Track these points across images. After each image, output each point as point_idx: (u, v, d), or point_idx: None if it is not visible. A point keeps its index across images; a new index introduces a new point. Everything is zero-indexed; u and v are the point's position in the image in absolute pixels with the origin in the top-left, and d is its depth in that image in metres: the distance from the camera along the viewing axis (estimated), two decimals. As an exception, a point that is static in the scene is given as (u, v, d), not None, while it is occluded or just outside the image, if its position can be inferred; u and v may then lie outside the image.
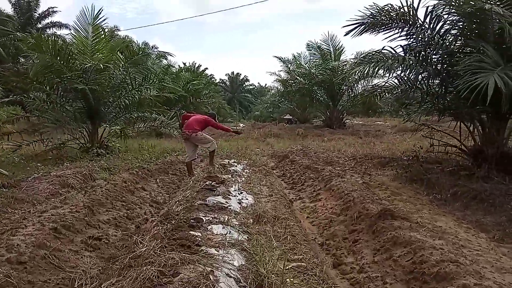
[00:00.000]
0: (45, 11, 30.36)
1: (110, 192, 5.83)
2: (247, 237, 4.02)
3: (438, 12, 7.49)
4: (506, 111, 6.79)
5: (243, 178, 7.66)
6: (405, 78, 8.46)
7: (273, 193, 6.56)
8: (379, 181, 7.10)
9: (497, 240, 4.24)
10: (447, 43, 7.70)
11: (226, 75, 65.80)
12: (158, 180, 7.80)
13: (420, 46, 7.87)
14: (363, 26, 8.16)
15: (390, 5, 7.72)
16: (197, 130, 7.99)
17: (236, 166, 9.20)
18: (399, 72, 8.28)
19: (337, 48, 22.04)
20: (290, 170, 9.32)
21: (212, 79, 45.06)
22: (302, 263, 3.41)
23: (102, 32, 10.89)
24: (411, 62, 7.40)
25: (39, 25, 30.01)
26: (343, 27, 8.27)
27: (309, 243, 4.34)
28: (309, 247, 4.14)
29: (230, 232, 4.02)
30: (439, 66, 7.94)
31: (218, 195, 5.64)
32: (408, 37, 8.12)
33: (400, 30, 8.05)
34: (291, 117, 28.63)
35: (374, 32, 8.32)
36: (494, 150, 6.92)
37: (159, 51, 30.32)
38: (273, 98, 32.23)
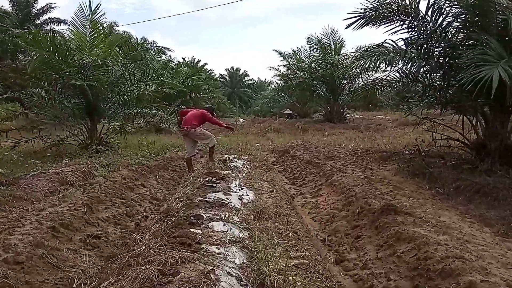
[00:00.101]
0: (43, 7, 30.26)
1: (109, 189, 5.76)
2: (248, 234, 3.96)
3: (440, 4, 7.39)
4: (510, 104, 6.70)
5: (244, 174, 7.59)
6: (407, 71, 8.37)
7: (274, 188, 6.50)
8: (381, 175, 7.03)
9: (502, 234, 4.17)
10: (449, 36, 7.59)
11: (225, 70, 65.76)
12: (157, 176, 7.74)
13: (422, 39, 7.78)
14: (364, 19, 8.07)
15: (392, -3, 7.63)
16: (195, 126, 7.93)
17: (236, 161, 9.13)
18: (400, 66, 8.20)
19: (337, 42, 21.95)
20: (291, 165, 9.25)
21: (212, 74, 44.96)
22: (305, 260, 3.35)
23: (100, 28, 10.80)
24: (413, 55, 7.31)
25: (38, 21, 29.93)
26: (344, 20, 8.18)
27: (311, 240, 4.28)
28: (311, 243, 4.08)
29: (231, 229, 3.96)
30: (441, 59, 7.85)
31: (218, 192, 5.58)
32: (409, 30, 8.01)
33: (401, 23, 7.95)
34: (291, 111, 28.54)
35: (376, 25, 8.22)
36: (497, 143, 6.84)
37: (158, 46, 30.17)
38: (273, 92, 32.16)
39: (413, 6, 7.60)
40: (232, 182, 6.48)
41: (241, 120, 30.17)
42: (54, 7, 30.47)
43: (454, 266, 2.93)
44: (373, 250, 3.77)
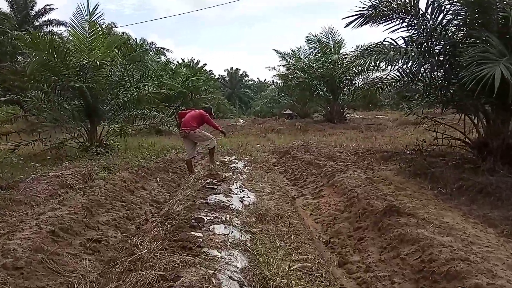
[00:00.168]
0: (41, 8, 30.18)
1: (109, 192, 5.72)
2: (250, 236, 3.93)
3: (440, 1, 7.35)
4: (512, 102, 6.66)
5: (245, 175, 7.55)
6: (407, 70, 8.33)
7: (275, 190, 6.47)
8: (383, 176, 6.99)
9: (506, 235, 4.13)
10: (450, 34, 7.55)
11: (225, 70, 65.65)
12: (158, 178, 7.70)
13: (422, 37, 7.74)
14: (363, 18, 8.02)
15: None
16: (194, 127, 7.89)
17: (237, 163, 9.09)
18: (400, 64, 8.14)
19: (337, 41, 21.87)
20: (291, 166, 9.21)
21: (211, 75, 44.93)
22: (307, 264, 3.31)
23: (99, 29, 10.75)
24: (413, 53, 7.27)
25: (36, 23, 29.85)
26: (344, 18, 8.13)
27: (314, 242, 4.24)
28: (314, 246, 4.04)
29: (232, 232, 3.92)
30: (441, 58, 7.81)
31: (219, 194, 5.54)
32: (409, 28, 7.97)
33: (401, 21, 7.90)
34: (291, 112, 28.47)
35: (375, 24, 8.18)
36: (499, 142, 6.79)
37: (157, 47, 30.10)
38: (273, 93, 32.08)
39: (412, 4, 7.56)
40: (233, 184, 6.45)
41: (241, 121, 30.11)
42: (53, 8, 30.41)
43: (459, 268, 2.89)
44: (377, 252, 3.73)
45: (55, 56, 9.56)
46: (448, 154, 7.95)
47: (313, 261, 3.42)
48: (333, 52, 21.45)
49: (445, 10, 7.44)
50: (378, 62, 7.72)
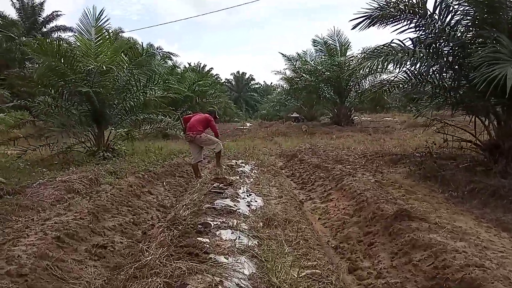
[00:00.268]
0: (49, 15, 30.50)
1: (115, 197, 5.68)
2: (258, 242, 3.86)
3: (448, 2, 7.26)
4: (524, 103, 6.54)
5: (252, 179, 7.49)
6: (415, 72, 8.22)
7: (283, 194, 6.39)
8: (392, 179, 6.87)
9: (521, 239, 4.02)
10: (459, 35, 7.44)
11: (231, 74, 65.75)
12: (165, 183, 7.65)
13: (430, 38, 7.63)
14: (370, 19, 7.95)
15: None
16: (200, 132, 7.84)
17: (244, 166, 9.04)
18: (408, 66, 8.04)
19: (343, 43, 21.78)
20: (299, 170, 9.12)
21: (218, 79, 45.02)
22: (317, 270, 3.22)
23: (105, 34, 10.78)
24: (421, 54, 7.16)
25: (44, 29, 30.15)
26: (351, 20, 8.06)
27: (323, 247, 4.14)
28: (323, 251, 3.94)
29: (239, 237, 3.86)
30: (450, 59, 7.69)
31: (226, 198, 5.48)
32: (417, 29, 7.87)
33: (409, 22, 7.81)
34: (298, 115, 28.35)
35: (382, 25, 8.10)
36: (511, 143, 6.66)
37: (164, 52, 30.24)
38: (279, 96, 32.00)
39: (420, 5, 7.46)
40: (240, 188, 6.39)
41: (248, 124, 30.11)
42: (60, 14, 30.72)
43: (474, 275, 2.79)
44: (388, 258, 3.63)
45: (62, 61, 9.61)
46: (459, 157, 7.81)
47: (323, 268, 3.33)
48: (339, 55, 21.36)
49: (453, 11, 7.34)
50: (386, 64, 7.62)
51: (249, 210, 5.10)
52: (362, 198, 5.27)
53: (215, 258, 3.20)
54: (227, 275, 2.89)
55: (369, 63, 7.93)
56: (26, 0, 29.88)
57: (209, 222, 4.28)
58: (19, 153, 9.61)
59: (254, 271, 3.09)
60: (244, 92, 61.86)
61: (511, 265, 3.17)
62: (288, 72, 24.90)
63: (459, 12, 7.33)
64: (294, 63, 23.72)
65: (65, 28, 29.95)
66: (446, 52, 7.71)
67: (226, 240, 3.75)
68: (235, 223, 4.24)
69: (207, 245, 3.49)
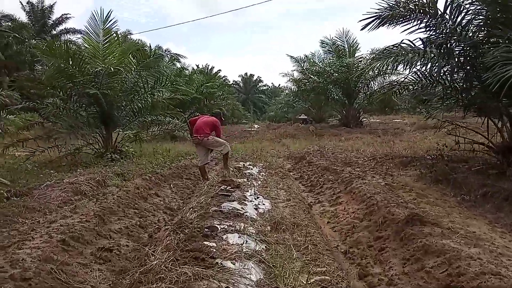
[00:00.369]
0: (58, 17, 30.82)
1: (122, 200, 5.63)
2: (265, 246, 3.77)
3: (459, 1, 7.12)
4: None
5: (259, 182, 7.41)
6: (426, 72, 8.08)
7: (291, 197, 6.29)
8: (402, 182, 6.75)
9: (537, 245, 3.88)
10: (470, 34, 7.30)
11: (239, 76, 65.79)
12: (172, 185, 7.60)
13: (441, 38, 7.50)
14: (380, 19, 7.84)
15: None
16: (207, 134, 7.78)
17: (251, 169, 8.96)
18: (418, 67, 7.92)
19: (351, 44, 21.61)
20: (307, 172, 9.02)
21: (226, 81, 45.08)
22: (326, 277, 3.13)
23: (113, 36, 10.79)
24: (432, 55, 7.02)
25: (54, 32, 30.43)
26: (360, 21, 7.96)
27: (332, 252, 4.05)
28: (332, 257, 3.85)
29: (246, 241, 3.78)
30: (462, 59, 7.55)
31: (233, 201, 5.41)
32: (427, 29, 7.74)
33: (419, 22, 7.69)
34: (306, 117, 28.21)
35: (392, 25, 7.98)
36: (525, 146, 6.51)
37: (172, 54, 30.34)
38: (287, 98, 31.87)
39: (431, 4, 7.34)
40: (248, 191, 6.31)
41: (255, 126, 30.05)
42: (70, 17, 31.03)
43: (490, 284, 2.69)
44: (399, 264, 3.52)
45: (70, 63, 9.63)
46: (471, 159, 7.64)
47: (332, 274, 3.23)
48: (348, 56, 21.21)
49: (464, 10, 7.21)
50: (395, 64, 7.50)
51: (256, 214, 5.02)
52: (372, 202, 5.16)
53: (221, 263, 3.13)
54: (234, 281, 2.82)
55: (378, 64, 7.83)
56: (36, 3, 30.22)
57: (216, 225, 4.21)
58: (27, 154, 9.65)
59: (261, 277, 3.01)
60: (252, 94, 61.84)
61: (529, 273, 3.05)
62: (296, 74, 24.82)
63: (470, 11, 7.19)
64: (302, 65, 23.61)
65: (74, 31, 30.24)
66: (457, 52, 7.57)
67: (233, 244, 3.67)
68: (242, 227, 4.16)
69: (214, 250, 3.42)
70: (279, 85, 59.26)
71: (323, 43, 22.56)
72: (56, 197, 5.94)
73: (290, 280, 2.85)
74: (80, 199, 6.01)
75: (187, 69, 30.28)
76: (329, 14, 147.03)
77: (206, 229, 4.05)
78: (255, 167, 9.27)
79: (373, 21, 7.87)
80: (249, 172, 8.37)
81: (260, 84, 65.19)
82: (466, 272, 2.89)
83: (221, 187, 6.27)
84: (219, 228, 4.12)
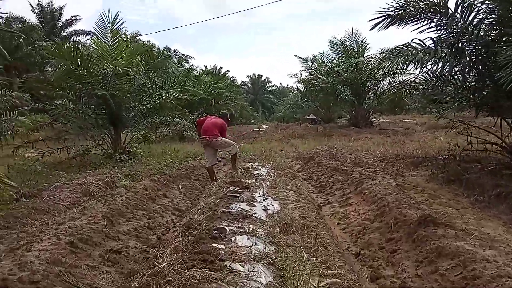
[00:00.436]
0: (68, 19, 31.10)
1: (130, 201, 5.61)
2: (275, 248, 3.72)
3: (470, 0, 7.01)
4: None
5: (268, 182, 7.35)
6: (437, 72, 7.96)
7: (300, 198, 6.22)
8: (414, 182, 6.64)
9: (554, 248, 3.77)
10: (482, 33, 7.17)
11: (247, 77, 65.83)
12: (180, 186, 7.58)
13: (452, 38, 7.38)
14: (390, 19, 7.75)
15: (419, -5, 7.30)
16: (216, 136, 7.73)
17: (260, 169, 8.91)
18: (429, 66, 7.80)
19: (360, 44, 21.45)
20: (316, 173, 8.94)
21: (234, 81, 45.11)
22: (337, 279, 3.06)
23: (122, 37, 10.82)
24: (443, 54, 6.91)
25: (63, 34, 30.70)
26: (369, 21, 7.86)
27: (343, 254, 3.97)
28: (343, 259, 3.78)
29: (255, 243, 3.73)
30: (473, 58, 7.42)
31: (242, 202, 5.36)
32: (438, 28, 7.62)
33: (429, 21, 7.57)
34: (314, 117, 28.07)
35: (402, 24, 7.88)
36: (539, 146, 6.37)
37: (181, 55, 30.43)
38: (296, 98, 31.77)
39: (441, 3, 7.23)
40: (256, 192, 6.26)
41: (264, 126, 30.02)
42: (79, 19, 31.37)
43: (508, 287, 2.60)
44: (412, 266, 3.44)
45: (79, 64, 9.66)
46: (483, 159, 7.50)
47: (343, 277, 3.17)
48: (357, 56, 21.05)
49: (475, 9, 7.09)
50: (406, 64, 7.40)
51: (265, 215, 4.96)
52: (383, 203, 5.07)
53: (230, 266, 3.08)
54: (243, 285, 2.77)
55: (388, 64, 7.73)
56: (45, 5, 30.51)
57: (225, 227, 4.17)
58: (37, 155, 9.70)
59: (271, 280, 2.95)
60: (260, 94, 61.83)
61: (547, 277, 2.96)
62: (304, 74, 24.71)
63: (482, 10, 7.07)
64: (310, 65, 23.48)
65: (83, 32, 30.48)
66: (469, 51, 7.44)
67: (241, 246, 3.62)
68: (251, 229, 4.11)
69: (222, 252, 3.37)
70: (288, 85, 59.24)
71: (332, 43, 22.45)
72: (65, 198, 5.94)
73: (300, 283, 2.79)
74: (89, 200, 6.00)
75: (196, 70, 30.33)
76: (333, 15, 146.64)
77: (214, 231, 4.01)
78: (263, 168, 9.22)
79: (382, 21, 7.78)
80: (257, 173, 8.32)
81: (268, 85, 65.23)
82: (482, 275, 2.81)
83: (230, 188, 6.22)
84: (228, 230, 4.08)
